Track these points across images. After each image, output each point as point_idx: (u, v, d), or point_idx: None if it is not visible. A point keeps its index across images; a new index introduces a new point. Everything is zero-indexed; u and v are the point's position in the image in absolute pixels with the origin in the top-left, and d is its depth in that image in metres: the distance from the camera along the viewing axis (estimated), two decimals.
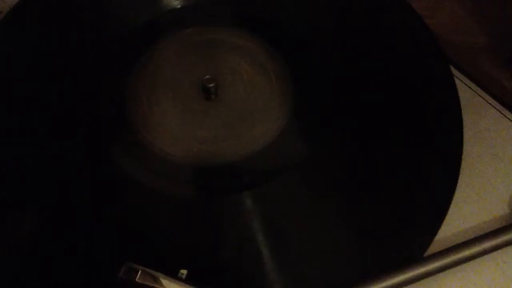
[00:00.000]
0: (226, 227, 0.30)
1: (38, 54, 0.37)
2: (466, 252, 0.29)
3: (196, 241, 0.29)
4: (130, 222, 0.29)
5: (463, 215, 0.32)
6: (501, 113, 0.37)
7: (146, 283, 0.24)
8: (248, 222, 0.29)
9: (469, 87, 0.39)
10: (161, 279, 0.24)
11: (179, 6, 0.41)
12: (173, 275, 0.25)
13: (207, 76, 0.35)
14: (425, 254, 0.29)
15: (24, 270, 0.27)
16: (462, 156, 0.33)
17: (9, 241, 0.28)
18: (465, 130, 0.34)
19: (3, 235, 0.29)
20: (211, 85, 0.35)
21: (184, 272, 0.25)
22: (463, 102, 0.35)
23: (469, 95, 0.38)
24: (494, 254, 0.29)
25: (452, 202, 0.31)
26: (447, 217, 0.30)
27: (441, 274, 0.28)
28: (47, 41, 0.38)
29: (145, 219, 0.30)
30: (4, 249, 0.28)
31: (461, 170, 0.32)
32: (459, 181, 0.32)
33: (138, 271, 0.24)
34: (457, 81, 0.37)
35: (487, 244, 0.29)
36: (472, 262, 0.29)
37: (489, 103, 0.38)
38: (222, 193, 0.31)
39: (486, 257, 0.29)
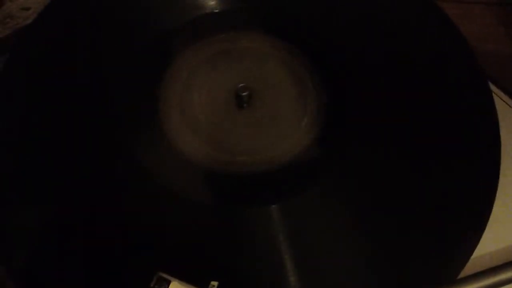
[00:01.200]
0: (246, 238, 0.29)
1: (70, 57, 0.37)
2: (503, 276, 0.28)
3: (213, 249, 0.29)
4: (155, 227, 0.29)
5: (499, 235, 0.31)
6: None
7: None
8: (271, 234, 0.29)
9: (498, 96, 0.38)
10: None
11: (210, 11, 0.41)
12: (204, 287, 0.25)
13: (241, 84, 0.35)
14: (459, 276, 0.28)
15: (27, 270, 0.28)
16: None
17: (14, 241, 0.29)
18: None
19: (8, 235, 0.29)
20: (244, 94, 0.35)
21: (215, 284, 0.25)
22: None
23: (498, 104, 0.35)
24: None
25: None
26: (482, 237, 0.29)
27: None
28: (77, 45, 0.38)
29: (175, 226, 0.30)
30: (9, 250, 0.28)
31: None
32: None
33: (170, 282, 0.24)
34: None
35: None
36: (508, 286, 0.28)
37: None
38: (243, 204, 0.31)
39: None
